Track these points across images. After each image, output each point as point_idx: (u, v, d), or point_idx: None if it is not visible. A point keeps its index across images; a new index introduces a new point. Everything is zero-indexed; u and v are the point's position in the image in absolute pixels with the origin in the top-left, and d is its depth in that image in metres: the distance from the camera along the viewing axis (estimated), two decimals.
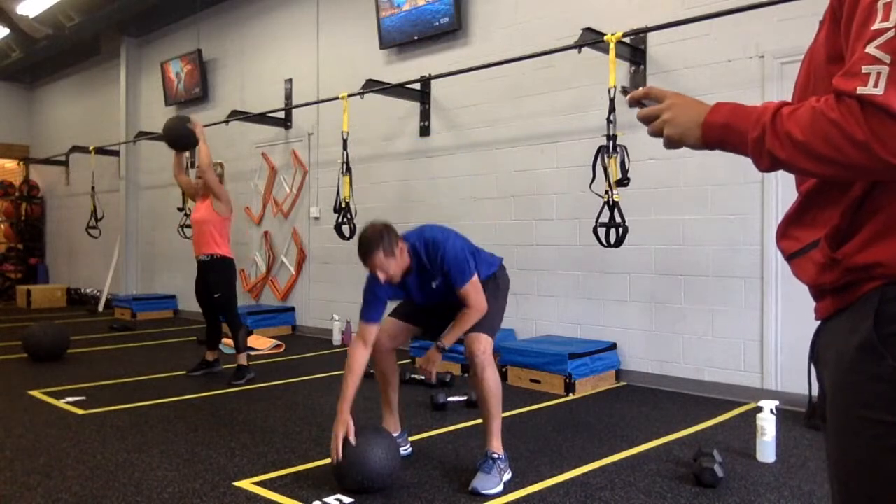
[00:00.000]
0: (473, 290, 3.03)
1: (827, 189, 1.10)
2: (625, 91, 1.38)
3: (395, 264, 2.98)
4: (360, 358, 3.09)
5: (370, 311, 3.11)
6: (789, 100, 1.12)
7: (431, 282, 3.10)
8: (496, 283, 3.26)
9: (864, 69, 0.93)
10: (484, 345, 3.04)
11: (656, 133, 1.22)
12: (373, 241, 2.94)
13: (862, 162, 0.94)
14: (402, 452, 3.38)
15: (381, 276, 2.98)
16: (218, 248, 5.22)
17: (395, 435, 3.38)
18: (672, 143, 1.20)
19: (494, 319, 3.18)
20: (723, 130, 1.11)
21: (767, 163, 1.06)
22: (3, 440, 3.70)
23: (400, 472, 3.05)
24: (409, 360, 5.73)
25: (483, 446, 3.10)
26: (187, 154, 5.22)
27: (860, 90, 0.92)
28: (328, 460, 3.35)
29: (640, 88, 1.26)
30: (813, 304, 1.18)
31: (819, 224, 1.11)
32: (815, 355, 1.17)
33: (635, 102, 1.28)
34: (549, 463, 3.33)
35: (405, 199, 6.78)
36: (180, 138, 5.22)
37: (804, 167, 1.01)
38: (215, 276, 5.24)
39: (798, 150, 1.00)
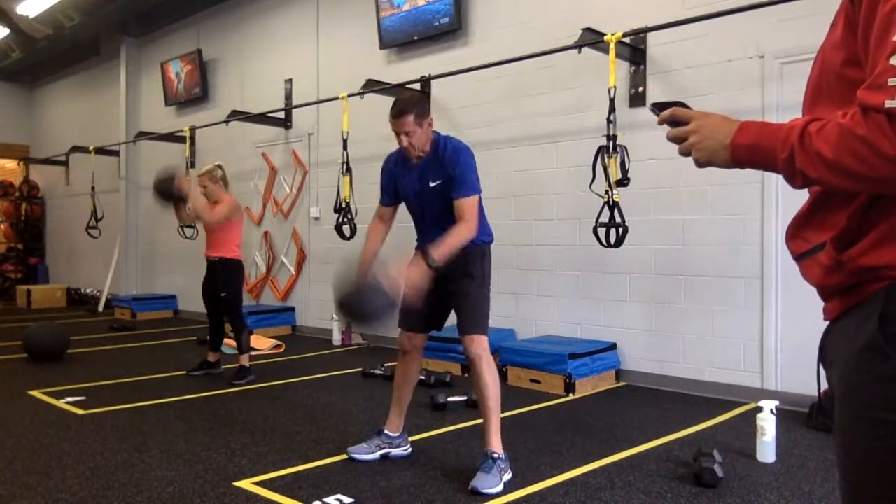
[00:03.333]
0: (470, 207, 3.04)
1: (836, 192, 1.10)
2: (654, 109, 1.35)
3: (419, 134, 3.08)
4: (376, 230, 3.40)
5: (384, 196, 3.43)
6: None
7: (431, 181, 3.14)
8: (483, 267, 3.18)
9: (891, 82, 0.93)
10: (481, 344, 3.09)
11: (685, 155, 1.23)
12: (409, 103, 3.09)
13: (892, 175, 0.95)
14: (402, 453, 3.40)
15: (404, 141, 3.08)
16: (227, 250, 5.28)
17: (395, 435, 3.39)
18: (701, 165, 1.22)
19: (484, 312, 3.18)
20: (751, 151, 1.13)
21: (800, 182, 1.07)
22: (3, 440, 3.70)
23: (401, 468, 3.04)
24: None
25: (483, 445, 3.10)
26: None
27: (888, 104, 0.93)
28: (328, 460, 3.37)
29: (667, 111, 1.25)
30: (815, 304, 1.19)
31: (828, 226, 1.11)
32: (824, 356, 1.17)
33: (663, 123, 1.28)
34: (549, 463, 3.33)
35: None
36: (170, 198, 5.19)
37: (836, 184, 1.03)
38: (223, 276, 5.30)
39: (828, 169, 1.01)
